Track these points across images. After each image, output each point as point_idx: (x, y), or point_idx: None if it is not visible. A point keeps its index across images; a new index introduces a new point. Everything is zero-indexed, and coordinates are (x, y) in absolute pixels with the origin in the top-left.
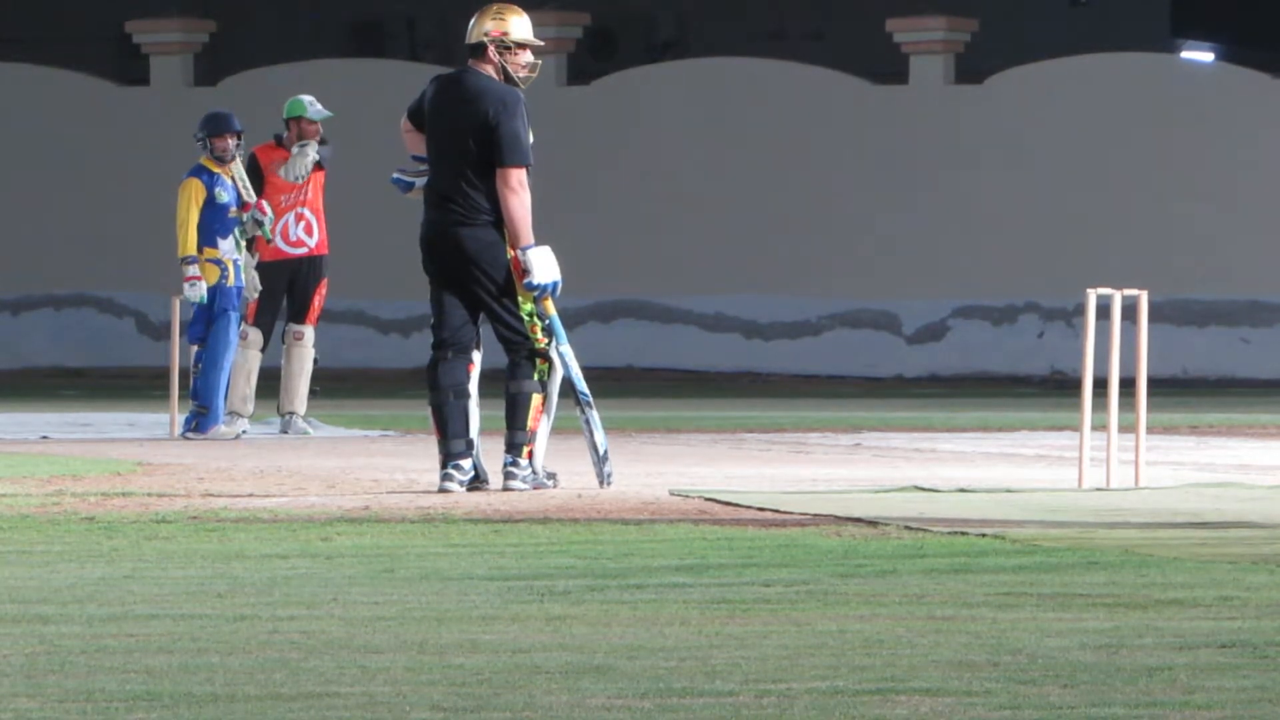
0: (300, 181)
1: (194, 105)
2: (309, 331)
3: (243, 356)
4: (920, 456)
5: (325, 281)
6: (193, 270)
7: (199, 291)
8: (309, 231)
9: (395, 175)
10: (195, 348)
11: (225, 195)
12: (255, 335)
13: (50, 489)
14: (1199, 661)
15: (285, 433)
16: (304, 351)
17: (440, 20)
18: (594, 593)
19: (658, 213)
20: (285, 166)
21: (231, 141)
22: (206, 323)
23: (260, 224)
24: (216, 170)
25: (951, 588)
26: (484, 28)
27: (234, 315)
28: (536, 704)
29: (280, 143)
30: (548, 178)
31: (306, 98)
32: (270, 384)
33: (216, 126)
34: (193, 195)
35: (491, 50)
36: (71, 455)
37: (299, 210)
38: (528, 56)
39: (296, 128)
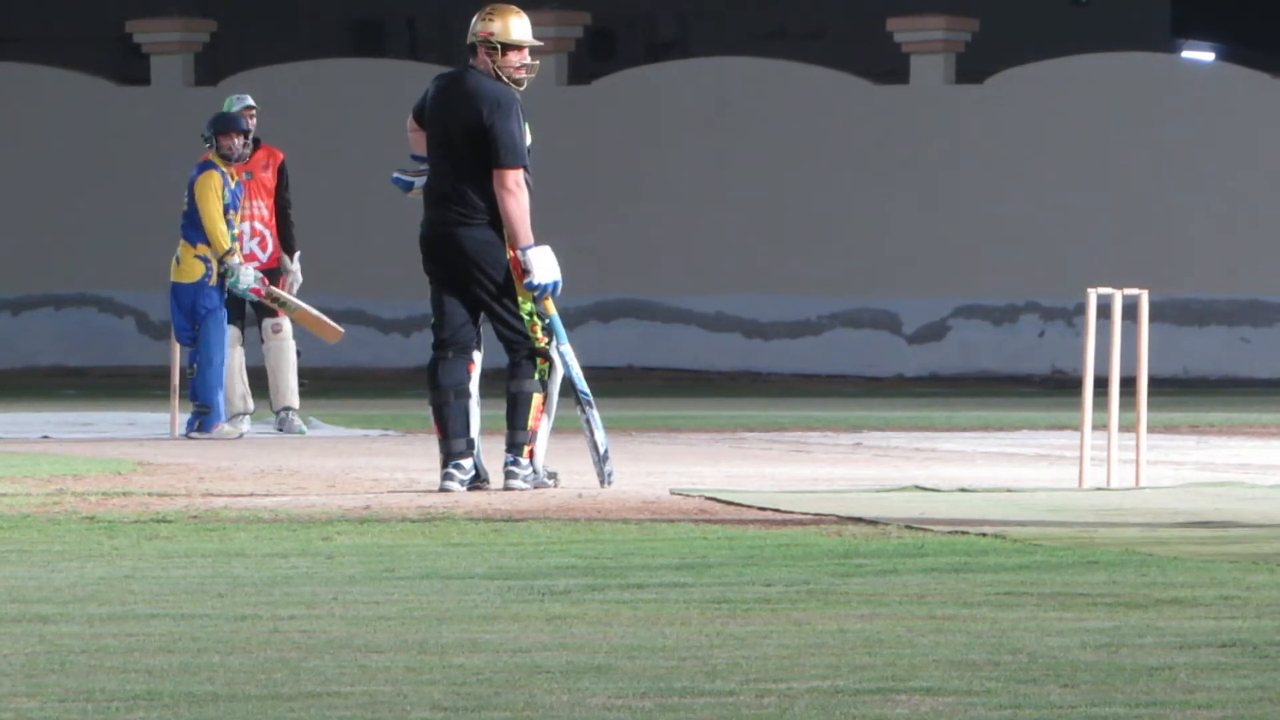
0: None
1: (194, 105)
2: (285, 323)
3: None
4: (920, 456)
5: (283, 277)
6: (236, 259)
7: (250, 276)
8: (263, 246)
9: (395, 175)
10: (187, 349)
11: (228, 195)
12: (234, 332)
13: (51, 488)
14: (1199, 661)
15: (282, 430)
16: (285, 344)
17: (440, 20)
18: (594, 592)
19: (658, 213)
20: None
21: (238, 140)
22: (193, 323)
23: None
24: (224, 169)
25: (952, 587)
26: (475, 28)
27: (222, 313)
28: (537, 703)
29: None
30: (547, 178)
31: (237, 95)
32: (260, 383)
33: (224, 125)
34: (216, 189)
35: (482, 51)
36: (72, 455)
37: (254, 225)
38: (520, 58)
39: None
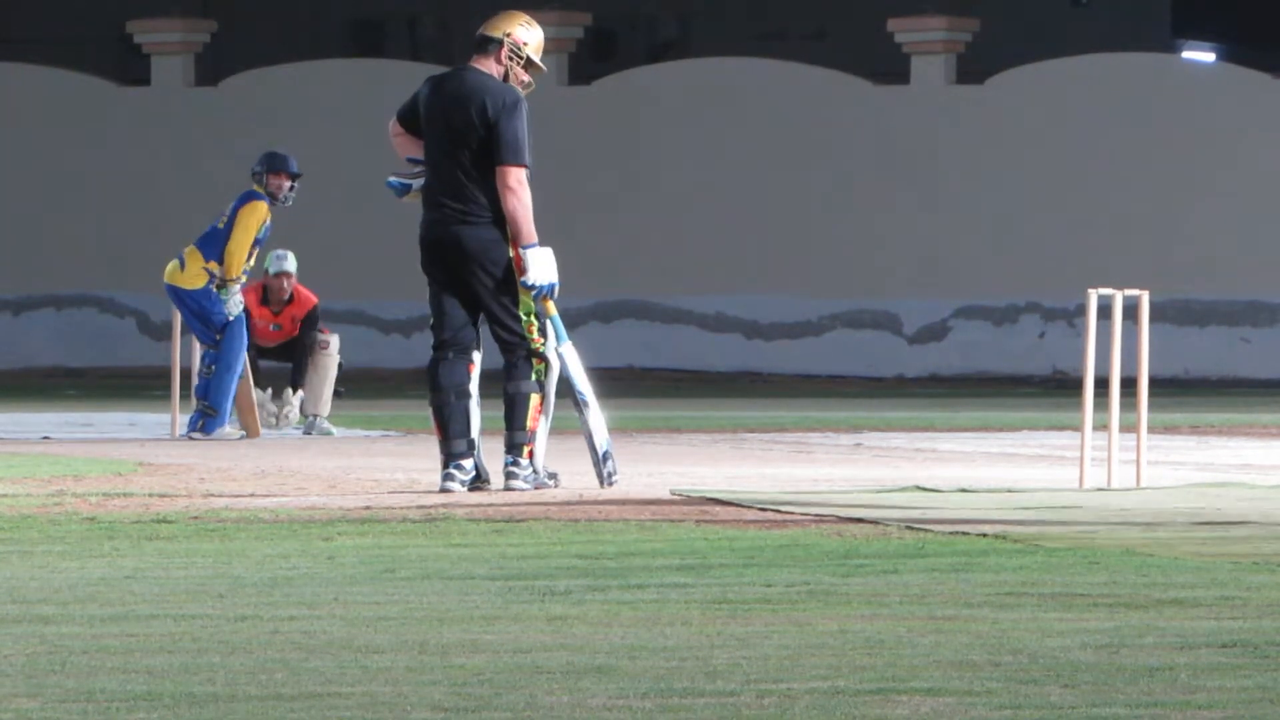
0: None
1: (194, 105)
2: (334, 340)
3: None
4: (921, 456)
5: (284, 406)
6: (238, 287)
7: (238, 307)
8: (285, 329)
9: (390, 179)
10: (204, 348)
11: (264, 230)
12: None
13: (51, 489)
14: (1200, 661)
15: (309, 434)
16: (330, 360)
17: (440, 20)
18: (595, 593)
19: (658, 213)
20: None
21: (286, 183)
22: (208, 325)
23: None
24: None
25: (952, 588)
26: (509, 28)
27: (243, 318)
28: (537, 704)
29: (264, 299)
30: (547, 178)
31: (279, 252)
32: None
33: (275, 165)
34: (260, 219)
35: (505, 52)
36: (73, 455)
37: (276, 325)
38: (528, 77)
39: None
